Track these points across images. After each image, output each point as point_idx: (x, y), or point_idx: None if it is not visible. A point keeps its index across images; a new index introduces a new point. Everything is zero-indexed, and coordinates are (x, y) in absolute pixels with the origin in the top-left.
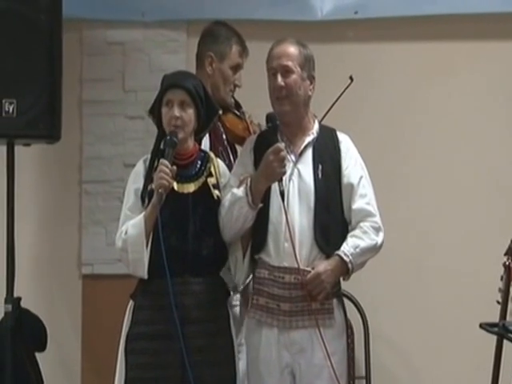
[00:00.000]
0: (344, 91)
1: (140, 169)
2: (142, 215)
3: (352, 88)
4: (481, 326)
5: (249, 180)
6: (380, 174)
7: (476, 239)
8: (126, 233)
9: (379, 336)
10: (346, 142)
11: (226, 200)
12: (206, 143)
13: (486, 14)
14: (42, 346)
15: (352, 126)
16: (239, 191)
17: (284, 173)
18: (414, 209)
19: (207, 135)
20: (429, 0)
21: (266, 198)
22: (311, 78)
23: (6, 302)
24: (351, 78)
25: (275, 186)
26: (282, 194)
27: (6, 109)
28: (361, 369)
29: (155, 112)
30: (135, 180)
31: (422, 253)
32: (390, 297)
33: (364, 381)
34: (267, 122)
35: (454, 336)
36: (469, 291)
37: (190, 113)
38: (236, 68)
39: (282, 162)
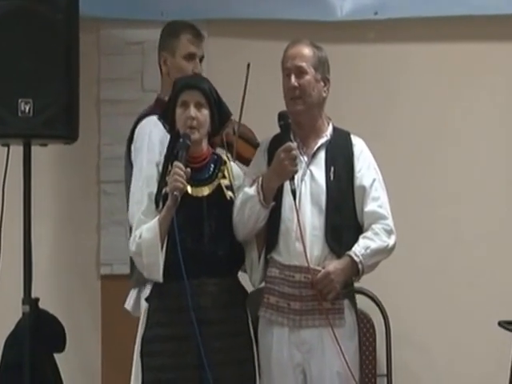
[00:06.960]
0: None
1: (153, 172)
2: (156, 219)
3: (373, 89)
4: (499, 323)
5: (260, 179)
6: (405, 175)
7: (498, 238)
8: (140, 237)
9: (400, 334)
10: (359, 145)
11: (238, 199)
12: None
13: (508, 15)
14: (60, 347)
15: (372, 127)
16: (251, 190)
17: (296, 171)
18: (438, 208)
19: None
20: (449, 1)
21: (278, 198)
22: (325, 80)
23: (24, 302)
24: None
25: (287, 186)
26: (293, 192)
27: (22, 108)
28: (382, 367)
29: (168, 115)
30: (148, 184)
31: (443, 251)
32: (411, 295)
33: (385, 378)
34: (279, 120)
35: (475, 334)
36: (490, 290)
37: (205, 114)
38: (189, 56)
39: (293, 160)
